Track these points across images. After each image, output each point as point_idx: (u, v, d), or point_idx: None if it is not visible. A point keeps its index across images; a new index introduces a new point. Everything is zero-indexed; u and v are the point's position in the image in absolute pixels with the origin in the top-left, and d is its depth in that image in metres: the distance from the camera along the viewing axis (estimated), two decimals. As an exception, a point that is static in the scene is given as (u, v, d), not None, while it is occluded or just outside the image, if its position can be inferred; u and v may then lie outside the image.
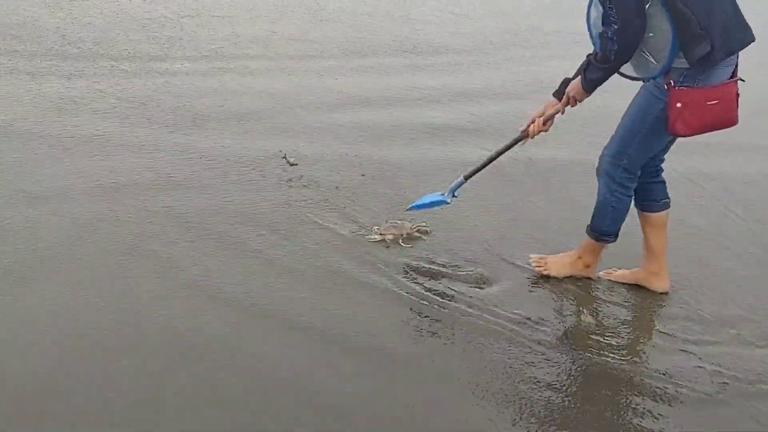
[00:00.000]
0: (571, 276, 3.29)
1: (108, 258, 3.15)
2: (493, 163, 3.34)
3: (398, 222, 3.64)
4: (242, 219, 3.57)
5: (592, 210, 3.19)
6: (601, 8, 2.81)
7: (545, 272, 3.29)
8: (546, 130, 3.19)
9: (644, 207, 3.21)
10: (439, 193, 3.50)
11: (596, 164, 3.14)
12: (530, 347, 2.81)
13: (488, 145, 4.25)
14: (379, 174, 4.19)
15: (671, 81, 2.82)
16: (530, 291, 3.20)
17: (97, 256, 3.17)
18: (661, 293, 3.23)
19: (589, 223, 3.22)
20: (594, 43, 2.98)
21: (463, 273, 3.28)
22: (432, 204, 3.51)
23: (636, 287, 3.27)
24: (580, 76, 3.01)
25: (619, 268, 3.39)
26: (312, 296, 3.02)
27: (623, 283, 3.31)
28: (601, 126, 3.77)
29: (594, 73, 2.93)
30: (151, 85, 5.26)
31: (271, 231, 3.49)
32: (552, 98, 3.17)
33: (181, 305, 2.89)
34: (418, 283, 3.19)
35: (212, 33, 6.63)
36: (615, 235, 3.19)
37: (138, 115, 4.74)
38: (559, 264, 3.31)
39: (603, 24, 2.80)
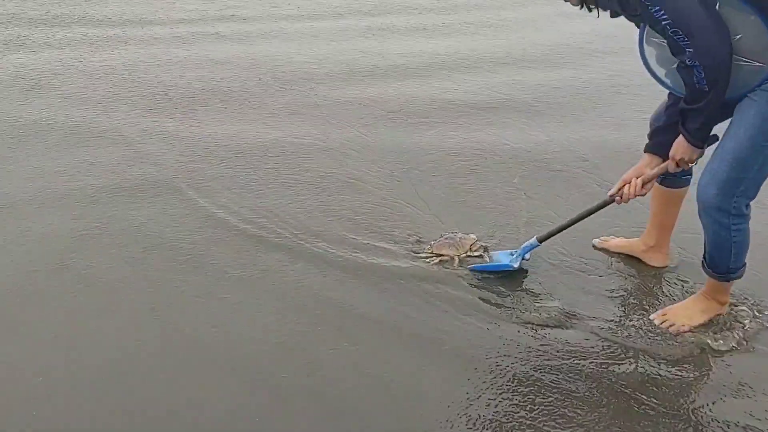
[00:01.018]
0: (709, 321, 2.80)
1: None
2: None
3: (452, 236, 3.25)
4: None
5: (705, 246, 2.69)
6: (660, 40, 2.39)
7: (680, 328, 2.75)
8: (644, 194, 2.76)
9: (664, 180, 2.88)
10: (509, 252, 3.12)
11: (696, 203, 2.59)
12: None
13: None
14: (400, 166, 4.07)
15: None
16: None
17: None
18: (660, 267, 3.11)
19: (706, 262, 2.71)
20: (669, 86, 2.55)
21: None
22: (497, 268, 3.08)
23: (632, 259, 3.15)
24: (681, 135, 2.51)
25: (615, 237, 3.25)
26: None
27: (618, 254, 3.18)
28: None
29: (694, 120, 2.42)
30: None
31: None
32: (645, 155, 2.73)
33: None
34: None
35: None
36: (744, 265, 2.68)
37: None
38: (689, 312, 2.78)
39: (674, 54, 2.33)
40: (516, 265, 3.04)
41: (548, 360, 2.62)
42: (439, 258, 3.15)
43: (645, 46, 2.52)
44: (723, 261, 2.65)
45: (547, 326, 2.79)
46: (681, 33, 2.24)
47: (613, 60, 5.76)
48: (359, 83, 5.32)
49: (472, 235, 3.27)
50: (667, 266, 3.14)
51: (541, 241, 3.05)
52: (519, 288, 3.02)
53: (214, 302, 2.91)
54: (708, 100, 2.33)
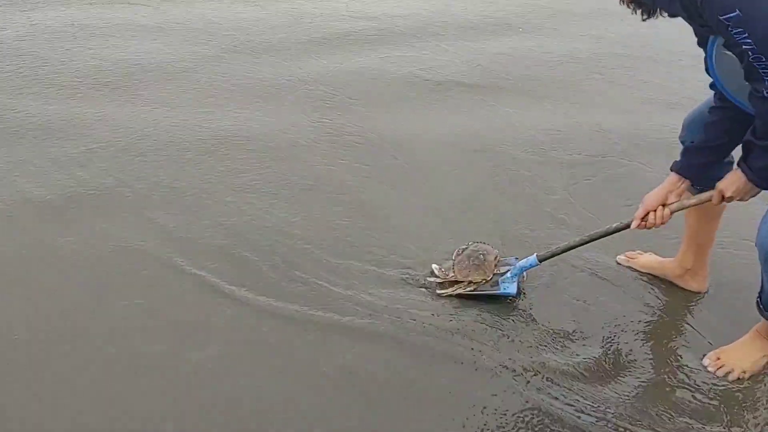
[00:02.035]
0: None
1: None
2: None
3: (470, 253, 2.64)
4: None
5: (759, 289, 2.28)
6: (736, 58, 2.02)
7: (741, 374, 2.35)
8: (665, 223, 2.39)
9: (700, 189, 2.44)
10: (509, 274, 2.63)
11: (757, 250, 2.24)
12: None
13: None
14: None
15: None
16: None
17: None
18: (697, 292, 2.70)
19: (761, 303, 2.30)
20: (743, 105, 2.17)
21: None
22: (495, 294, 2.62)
23: (663, 282, 2.74)
24: (742, 169, 2.18)
25: (643, 253, 2.83)
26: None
27: (647, 275, 2.76)
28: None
29: (762, 157, 2.11)
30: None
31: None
32: (672, 175, 2.36)
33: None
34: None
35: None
36: None
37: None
38: (745, 356, 2.39)
39: (748, 80, 2.01)
40: (513, 290, 2.59)
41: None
42: (470, 285, 2.59)
43: (714, 57, 2.15)
44: None
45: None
46: (764, 59, 1.92)
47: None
48: (320, 54, 4.71)
49: (484, 245, 2.73)
50: (706, 291, 2.72)
51: (541, 260, 2.60)
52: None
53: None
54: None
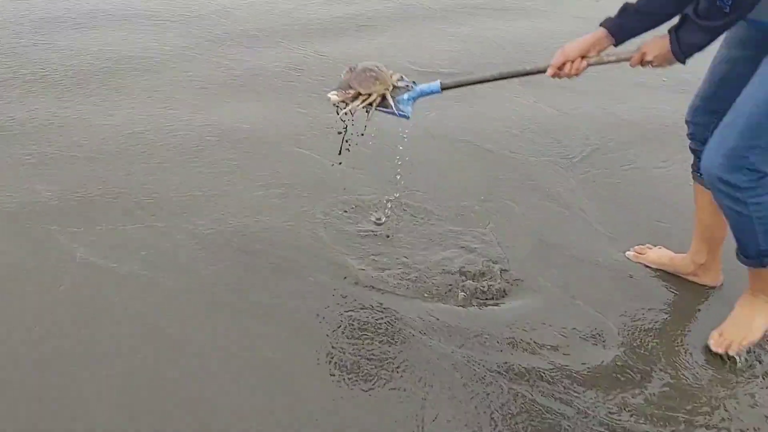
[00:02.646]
0: None
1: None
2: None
3: (367, 66, 2.45)
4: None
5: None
6: None
7: (741, 345, 2.34)
8: (578, 74, 2.33)
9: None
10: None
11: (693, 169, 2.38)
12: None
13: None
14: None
15: None
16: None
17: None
18: (713, 286, 2.64)
19: (737, 249, 2.33)
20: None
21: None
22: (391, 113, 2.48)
23: (675, 278, 2.66)
24: (670, 37, 2.15)
25: (653, 247, 2.76)
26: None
27: (658, 270, 2.70)
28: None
29: (695, 35, 2.08)
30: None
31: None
32: (600, 29, 2.25)
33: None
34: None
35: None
36: None
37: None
38: (742, 325, 2.37)
39: None
40: (409, 113, 2.48)
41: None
42: (372, 98, 2.44)
43: None
44: (751, 243, 2.26)
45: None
46: None
47: None
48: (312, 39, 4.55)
49: (373, 62, 2.56)
50: (721, 283, 2.66)
51: (444, 88, 2.48)
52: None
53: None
54: (724, 22, 2.03)
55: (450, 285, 2.59)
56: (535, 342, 2.36)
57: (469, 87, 2.53)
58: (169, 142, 3.43)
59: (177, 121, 3.63)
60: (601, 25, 2.25)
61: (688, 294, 2.63)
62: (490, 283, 2.60)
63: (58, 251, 2.65)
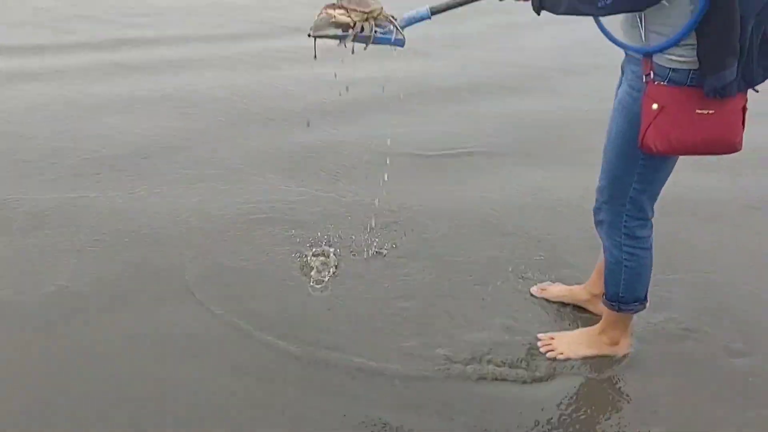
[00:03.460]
0: (593, 357, 2.62)
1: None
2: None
3: None
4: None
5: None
6: None
7: (558, 355, 2.61)
8: None
9: None
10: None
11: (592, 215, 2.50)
12: None
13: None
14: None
15: (651, 71, 2.10)
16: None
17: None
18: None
19: (604, 292, 2.57)
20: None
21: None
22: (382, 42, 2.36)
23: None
24: None
25: (554, 282, 3.03)
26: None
27: (558, 302, 2.92)
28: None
29: (570, 1, 2.07)
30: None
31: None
32: None
33: None
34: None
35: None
36: (640, 301, 2.52)
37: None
38: (572, 343, 2.65)
39: None
40: (401, 42, 2.37)
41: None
42: (365, 20, 2.29)
43: None
44: (613, 285, 2.50)
45: None
46: None
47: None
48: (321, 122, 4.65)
49: None
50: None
51: (434, 12, 2.40)
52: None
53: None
54: (603, 7, 2.02)
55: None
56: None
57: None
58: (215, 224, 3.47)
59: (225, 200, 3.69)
60: None
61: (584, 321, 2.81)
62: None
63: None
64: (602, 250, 2.54)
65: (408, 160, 4.16)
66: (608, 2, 1.99)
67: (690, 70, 2.06)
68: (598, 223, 2.47)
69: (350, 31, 2.32)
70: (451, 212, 3.62)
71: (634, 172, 2.27)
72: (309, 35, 2.33)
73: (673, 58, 2.07)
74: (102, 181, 3.83)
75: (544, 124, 4.78)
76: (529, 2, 2.20)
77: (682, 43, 2.04)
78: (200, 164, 4.08)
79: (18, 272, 3.04)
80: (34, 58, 5.63)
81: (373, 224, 3.40)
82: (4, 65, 5.49)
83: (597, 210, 2.45)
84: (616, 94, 2.37)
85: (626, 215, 2.35)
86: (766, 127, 3.97)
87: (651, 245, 2.44)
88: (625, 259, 2.42)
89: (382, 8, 2.35)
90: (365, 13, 2.32)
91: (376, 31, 2.34)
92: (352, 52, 2.42)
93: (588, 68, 5.72)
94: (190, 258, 3.16)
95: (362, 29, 2.33)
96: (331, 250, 3.20)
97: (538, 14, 2.21)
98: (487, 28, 6.73)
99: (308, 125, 4.40)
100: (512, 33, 6.66)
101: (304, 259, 3.14)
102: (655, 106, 2.08)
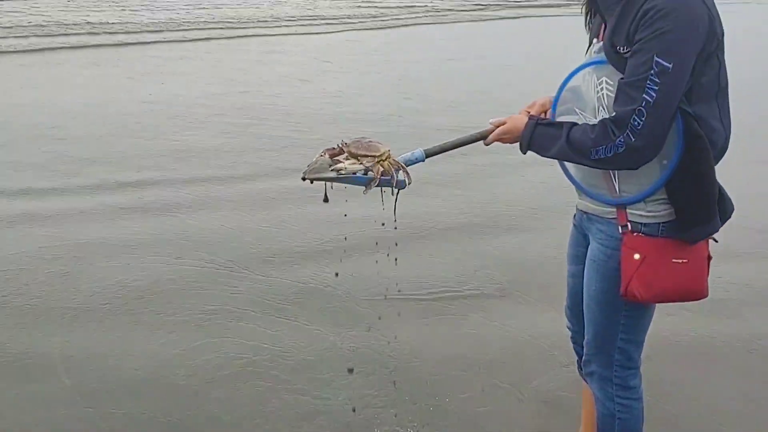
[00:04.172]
0: None
1: None
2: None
3: (357, 140, 2.39)
4: None
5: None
6: (612, 89, 2.11)
7: None
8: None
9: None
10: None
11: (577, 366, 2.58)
12: None
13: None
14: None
15: (628, 222, 2.21)
16: None
17: None
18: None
19: None
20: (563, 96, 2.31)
21: None
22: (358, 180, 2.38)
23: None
24: (528, 123, 2.30)
25: None
26: None
27: None
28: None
29: (551, 142, 2.21)
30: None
31: None
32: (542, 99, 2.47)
33: None
34: None
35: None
36: None
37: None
38: None
39: (616, 107, 2.08)
40: (403, 182, 2.43)
41: None
42: (365, 162, 2.32)
43: (590, 70, 2.21)
44: None
45: None
46: (641, 122, 2.01)
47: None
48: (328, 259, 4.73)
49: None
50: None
51: (428, 155, 2.51)
52: None
53: None
54: (589, 161, 2.14)
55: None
56: None
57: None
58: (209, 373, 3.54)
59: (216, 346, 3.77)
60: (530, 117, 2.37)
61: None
62: None
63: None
64: (583, 400, 2.57)
65: (405, 304, 4.25)
66: (605, 156, 2.08)
67: (659, 223, 2.19)
68: (589, 375, 2.49)
69: (345, 171, 2.36)
70: (447, 359, 3.68)
71: (619, 323, 2.34)
72: (303, 178, 2.39)
73: (643, 213, 2.19)
74: (97, 329, 3.92)
75: (541, 263, 4.91)
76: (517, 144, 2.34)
77: (651, 198, 2.17)
78: (195, 308, 4.17)
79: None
80: (37, 201, 5.82)
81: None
82: (8, 207, 5.67)
83: (587, 362, 2.49)
84: (573, 251, 2.50)
85: (616, 365, 2.40)
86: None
87: (641, 395, 2.46)
88: (618, 410, 2.43)
89: (389, 151, 2.44)
90: (375, 157, 2.38)
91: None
92: (344, 187, 2.47)
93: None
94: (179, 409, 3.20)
95: (366, 172, 2.37)
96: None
97: (524, 153, 2.35)
98: (483, 167, 6.97)
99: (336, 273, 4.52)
100: (509, 171, 6.89)
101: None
102: (637, 256, 2.17)
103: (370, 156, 2.38)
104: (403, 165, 2.44)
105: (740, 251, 5.04)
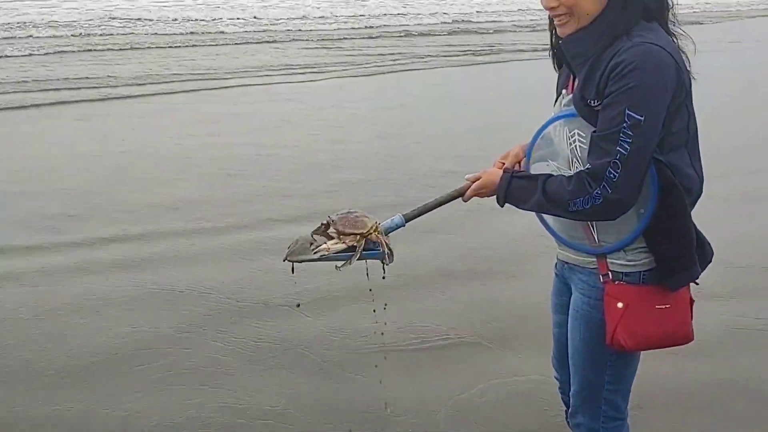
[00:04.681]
0: None
1: None
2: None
3: (344, 214, 2.43)
4: None
5: None
6: (584, 141, 2.14)
7: None
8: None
9: None
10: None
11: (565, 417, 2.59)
12: None
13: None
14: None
15: (609, 271, 2.25)
16: None
17: None
18: None
19: None
20: (536, 147, 2.34)
21: None
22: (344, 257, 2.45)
23: None
24: (502, 176, 2.32)
25: None
26: None
27: None
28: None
29: (526, 192, 2.24)
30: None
31: None
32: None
33: None
34: None
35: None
36: None
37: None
38: None
39: (590, 159, 2.11)
40: (376, 253, 2.46)
41: None
42: (351, 241, 2.36)
43: (565, 121, 2.24)
44: None
45: None
46: (617, 174, 2.03)
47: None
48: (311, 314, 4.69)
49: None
50: None
51: (408, 220, 2.55)
52: None
53: None
54: (566, 213, 2.18)
55: None
56: None
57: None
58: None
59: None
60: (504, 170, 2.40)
61: None
62: None
63: None
64: None
65: (390, 354, 4.24)
66: (583, 208, 2.11)
67: (641, 272, 2.22)
68: (576, 427, 2.50)
69: (328, 253, 2.41)
70: (431, 410, 3.67)
71: (605, 373, 2.36)
72: (285, 260, 2.45)
73: (624, 262, 2.22)
74: (75, 388, 3.89)
75: (528, 309, 4.90)
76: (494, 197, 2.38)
77: (630, 247, 2.21)
78: (176, 366, 4.14)
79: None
80: (14, 260, 5.75)
81: None
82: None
83: (573, 414, 2.50)
84: (556, 300, 2.53)
85: (603, 417, 2.41)
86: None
87: None
88: None
89: (376, 224, 2.48)
90: (360, 235, 2.42)
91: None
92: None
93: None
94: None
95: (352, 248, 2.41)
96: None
97: (502, 206, 2.38)
98: (466, 213, 6.99)
99: (298, 305, 4.51)
100: (493, 216, 6.86)
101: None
102: (620, 304, 2.20)
103: (357, 234, 2.41)
104: (385, 239, 2.47)
105: (722, 291, 5.09)
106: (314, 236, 2.49)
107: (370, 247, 2.46)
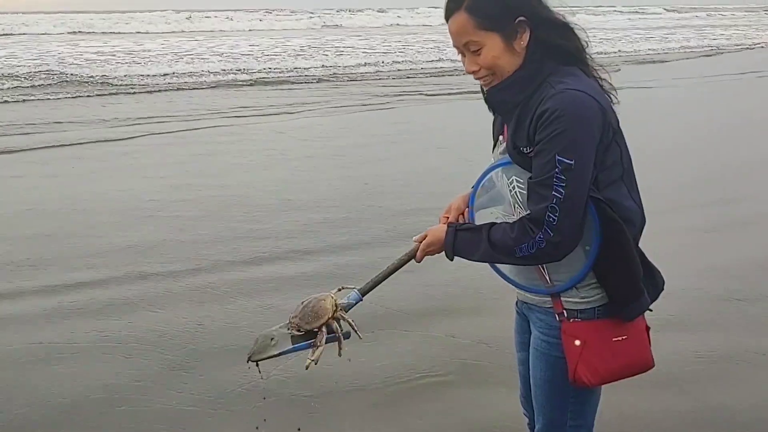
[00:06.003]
0: None
1: None
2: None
3: (306, 302, 2.56)
4: None
5: None
6: (523, 187, 2.24)
7: None
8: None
9: None
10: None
11: None
12: None
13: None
14: None
15: (564, 310, 2.33)
16: None
17: None
18: None
19: None
20: (484, 193, 2.42)
21: None
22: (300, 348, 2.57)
23: None
24: (447, 230, 2.39)
25: None
26: None
27: None
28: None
29: (472, 246, 2.32)
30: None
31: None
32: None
33: None
34: None
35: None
36: None
37: None
38: None
39: (530, 206, 2.22)
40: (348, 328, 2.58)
41: None
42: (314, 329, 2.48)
43: (507, 168, 2.32)
44: None
45: None
46: (555, 218, 2.13)
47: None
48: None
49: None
50: None
51: (363, 294, 2.64)
52: None
53: None
54: (512, 258, 2.26)
55: None
56: None
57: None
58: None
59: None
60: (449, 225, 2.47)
61: None
62: None
63: None
64: None
65: (361, 395, 4.29)
66: (529, 253, 2.20)
67: (594, 308, 2.31)
68: None
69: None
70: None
71: (567, 409, 2.43)
72: (248, 360, 2.57)
73: (577, 300, 2.31)
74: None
75: (500, 344, 4.95)
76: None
77: (582, 285, 2.30)
78: (142, 417, 4.12)
79: None
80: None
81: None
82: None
83: None
84: (519, 338, 2.63)
85: None
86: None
87: None
88: None
89: (335, 308, 2.59)
90: (320, 325, 2.55)
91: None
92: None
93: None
94: None
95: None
96: None
97: (451, 260, 2.45)
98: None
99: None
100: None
101: None
102: (577, 342, 2.28)
103: (322, 324, 2.55)
104: (346, 318, 2.59)
105: (689, 321, 5.19)
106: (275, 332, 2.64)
107: (332, 328, 2.60)
